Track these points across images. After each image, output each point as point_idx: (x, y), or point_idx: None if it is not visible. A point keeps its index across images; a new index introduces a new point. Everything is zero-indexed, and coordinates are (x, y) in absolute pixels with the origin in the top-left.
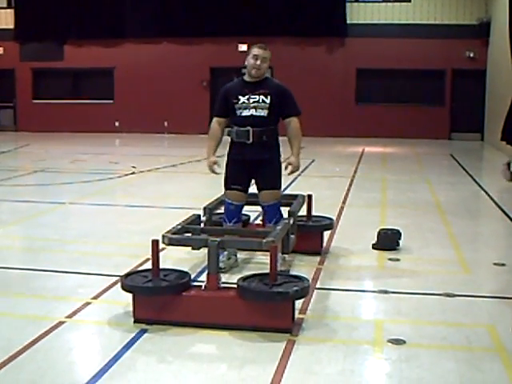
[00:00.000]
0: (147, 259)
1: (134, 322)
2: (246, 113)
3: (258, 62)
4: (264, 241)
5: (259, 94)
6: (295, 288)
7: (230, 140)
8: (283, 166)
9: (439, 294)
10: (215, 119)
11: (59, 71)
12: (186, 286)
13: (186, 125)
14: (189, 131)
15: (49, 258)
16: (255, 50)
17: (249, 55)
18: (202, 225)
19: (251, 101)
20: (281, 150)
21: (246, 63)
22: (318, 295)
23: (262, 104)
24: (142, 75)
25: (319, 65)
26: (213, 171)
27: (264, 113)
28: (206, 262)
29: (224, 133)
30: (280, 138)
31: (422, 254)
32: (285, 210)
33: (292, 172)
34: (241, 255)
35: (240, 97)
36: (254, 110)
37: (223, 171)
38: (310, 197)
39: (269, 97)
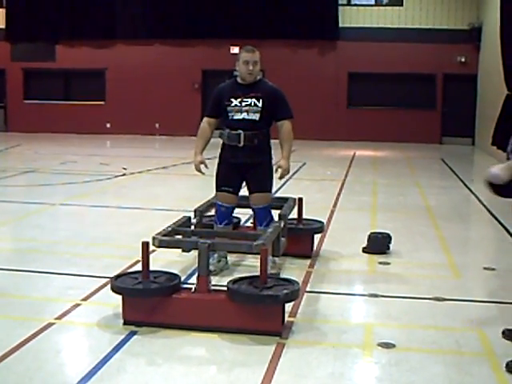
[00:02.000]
0: (137, 261)
1: (124, 323)
2: (237, 116)
3: (251, 68)
4: (254, 243)
5: (252, 97)
6: (285, 291)
7: (221, 142)
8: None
9: (429, 298)
10: (205, 119)
11: (50, 72)
12: (176, 289)
13: (177, 127)
14: (180, 133)
15: (38, 259)
16: (244, 55)
17: (238, 60)
18: (193, 227)
19: (243, 104)
20: (272, 152)
21: (237, 68)
22: (308, 298)
23: (254, 108)
24: (134, 77)
25: (311, 68)
26: (199, 171)
27: (256, 116)
28: (197, 265)
29: (213, 134)
30: (272, 141)
31: (412, 257)
32: (275, 213)
33: (282, 175)
34: (231, 258)
35: (232, 99)
36: (246, 113)
37: (214, 173)
38: (300, 200)
39: (261, 100)
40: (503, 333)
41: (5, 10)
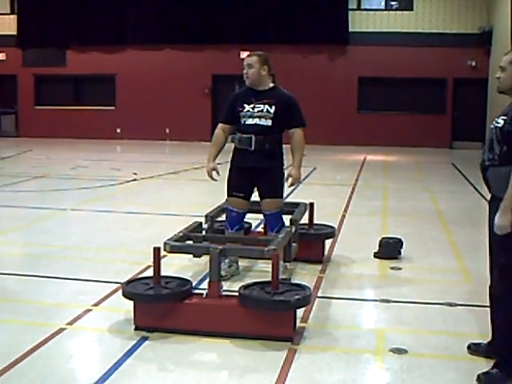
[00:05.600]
0: (148, 266)
1: (135, 329)
2: (250, 121)
3: (245, 71)
4: (266, 249)
5: (264, 104)
6: (297, 296)
7: (233, 147)
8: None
9: (441, 304)
10: (219, 125)
11: (61, 77)
12: (187, 294)
13: (187, 132)
14: (190, 138)
15: (49, 265)
16: (244, 60)
17: None
18: (204, 232)
19: (256, 110)
20: (284, 158)
21: None
22: (319, 304)
23: (267, 114)
24: (144, 82)
25: (321, 73)
26: (211, 177)
27: (268, 122)
28: (208, 270)
29: (228, 140)
30: (284, 146)
31: (423, 262)
32: (286, 218)
33: (292, 184)
34: (242, 263)
35: (245, 105)
36: (258, 119)
37: (226, 178)
38: (311, 205)
39: (273, 106)
40: (468, 347)
41: (16, 16)
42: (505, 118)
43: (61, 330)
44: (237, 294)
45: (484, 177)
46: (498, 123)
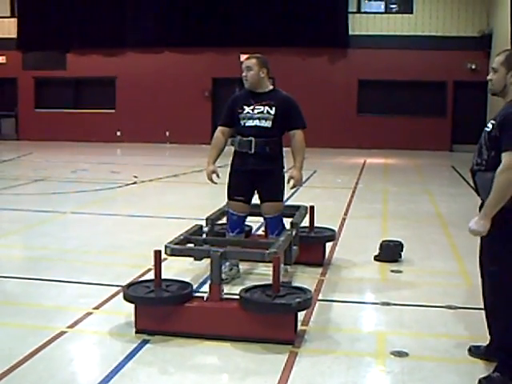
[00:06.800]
0: (149, 269)
1: (136, 332)
2: (250, 123)
3: (244, 73)
4: (267, 252)
5: (264, 105)
6: (298, 300)
7: (233, 150)
8: (286, 179)
9: (441, 306)
10: (219, 128)
11: (61, 80)
12: (188, 297)
13: (187, 135)
14: (190, 141)
15: (49, 268)
16: (243, 62)
17: None
18: (205, 235)
19: (256, 111)
20: (285, 161)
21: None
22: (320, 307)
23: (267, 115)
24: (144, 85)
25: (321, 76)
26: (211, 180)
27: (268, 124)
28: (209, 273)
29: (227, 142)
30: (284, 149)
31: (424, 265)
32: (287, 221)
33: (294, 186)
34: (243, 266)
35: (245, 107)
36: (258, 120)
37: (226, 181)
38: (312, 208)
39: (274, 108)
40: (469, 350)
41: (16, 19)
42: (493, 122)
43: (61, 333)
44: (237, 297)
45: (473, 181)
46: (488, 127)
